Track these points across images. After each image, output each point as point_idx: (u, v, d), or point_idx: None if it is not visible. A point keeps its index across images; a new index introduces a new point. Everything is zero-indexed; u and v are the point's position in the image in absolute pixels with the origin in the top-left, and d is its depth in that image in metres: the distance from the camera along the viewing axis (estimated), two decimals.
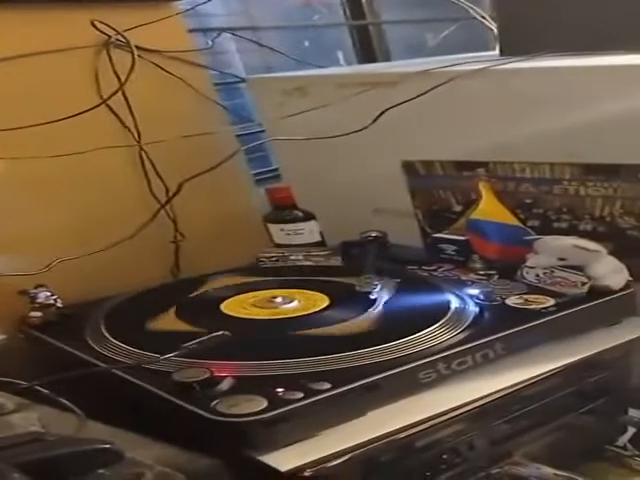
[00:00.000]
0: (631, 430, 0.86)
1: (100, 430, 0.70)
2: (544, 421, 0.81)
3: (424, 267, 1.05)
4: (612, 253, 0.93)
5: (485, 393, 0.76)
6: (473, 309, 0.88)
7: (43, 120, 1.02)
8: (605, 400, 0.85)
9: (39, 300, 0.94)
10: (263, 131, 1.33)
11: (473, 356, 0.79)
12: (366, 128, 1.05)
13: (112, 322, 0.90)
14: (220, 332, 0.80)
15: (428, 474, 0.73)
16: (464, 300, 0.90)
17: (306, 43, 1.71)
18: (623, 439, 0.86)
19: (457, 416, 0.74)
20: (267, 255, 1.11)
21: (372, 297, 0.93)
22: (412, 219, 1.16)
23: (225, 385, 0.71)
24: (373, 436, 0.69)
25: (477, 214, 1.07)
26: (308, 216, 1.19)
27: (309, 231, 1.18)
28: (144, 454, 0.65)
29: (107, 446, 0.60)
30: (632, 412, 0.86)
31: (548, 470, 0.78)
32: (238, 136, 1.34)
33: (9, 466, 0.53)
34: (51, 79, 1.11)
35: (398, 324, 0.86)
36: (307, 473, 0.65)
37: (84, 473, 0.59)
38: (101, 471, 0.59)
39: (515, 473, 0.77)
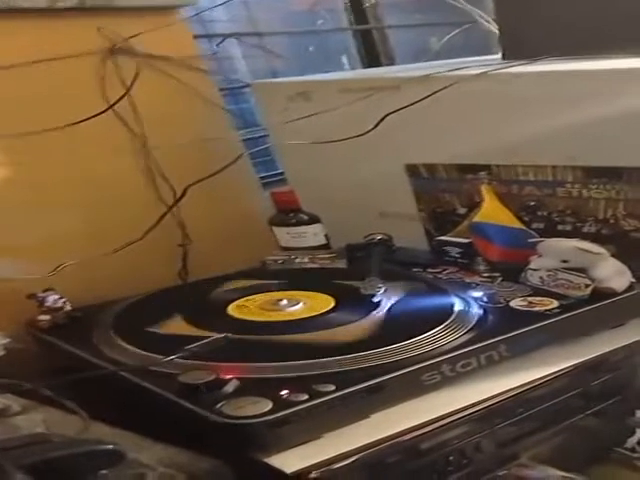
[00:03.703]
0: (639, 432, 0.86)
1: (103, 431, 0.71)
2: (550, 423, 0.81)
3: (429, 270, 1.05)
4: (615, 255, 0.93)
5: (490, 395, 0.76)
6: (477, 311, 0.88)
7: (51, 126, 1.03)
8: (612, 402, 0.85)
9: (48, 304, 0.94)
10: (268, 135, 1.34)
11: (477, 358, 0.79)
12: (369, 132, 1.06)
13: (120, 325, 0.90)
14: (222, 335, 0.80)
15: (434, 476, 0.72)
16: (468, 302, 0.90)
17: (310, 48, 1.72)
18: (631, 441, 0.85)
19: (462, 418, 0.74)
20: (273, 258, 1.11)
21: (377, 300, 0.93)
22: (417, 222, 1.17)
23: (231, 387, 0.71)
24: (379, 438, 0.69)
25: (480, 217, 1.07)
26: (313, 219, 1.19)
27: (314, 234, 1.18)
28: (147, 455, 0.66)
29: (110, 447, 0.60)
30: None
31: (555, 472, 0.78)
32: (244, 140, 1.34)
33: (14, 467, 0.54)
34: (58, 85, 1.11)
35: (402, 326, 0.86)
36: (313, 475, 0.65)
37: (87, 474, 0.59)
38: (104, 472, 0.60)
39: (522, 475, 0.77)
